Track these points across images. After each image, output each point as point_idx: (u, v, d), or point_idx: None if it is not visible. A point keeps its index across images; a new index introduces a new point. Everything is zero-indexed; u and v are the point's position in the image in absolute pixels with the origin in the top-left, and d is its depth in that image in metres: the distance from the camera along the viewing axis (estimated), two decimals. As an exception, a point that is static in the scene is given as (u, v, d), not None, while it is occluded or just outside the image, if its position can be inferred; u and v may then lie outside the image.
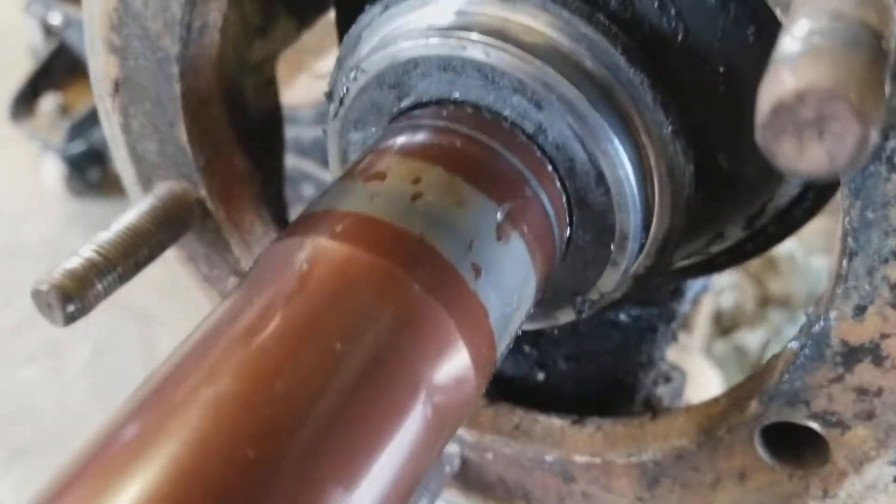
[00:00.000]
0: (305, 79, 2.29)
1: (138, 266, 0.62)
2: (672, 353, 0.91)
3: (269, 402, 0.41)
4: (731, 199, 0.63)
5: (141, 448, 0.39)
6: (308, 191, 2.64)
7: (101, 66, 0.62)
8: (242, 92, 0.71)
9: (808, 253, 3.20)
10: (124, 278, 0.61)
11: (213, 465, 0.39)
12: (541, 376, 0.76)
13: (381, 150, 0.52)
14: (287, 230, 0.48)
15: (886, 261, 0.45)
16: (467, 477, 0.69)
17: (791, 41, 0.30)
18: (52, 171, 3.04)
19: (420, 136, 0.51)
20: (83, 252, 0.59)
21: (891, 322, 0.48)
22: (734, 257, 0.75)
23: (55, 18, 2.79)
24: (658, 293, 0.80)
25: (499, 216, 0.49)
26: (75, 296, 0.58)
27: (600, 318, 0.77)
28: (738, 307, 2.78)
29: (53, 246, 3.00)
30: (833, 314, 0.49)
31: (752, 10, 0.53)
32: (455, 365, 0.47)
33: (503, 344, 0.50)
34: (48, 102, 2.84)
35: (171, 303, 2.78)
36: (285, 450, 0.40)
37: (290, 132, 1.37)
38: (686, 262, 0.75)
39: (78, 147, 2.90)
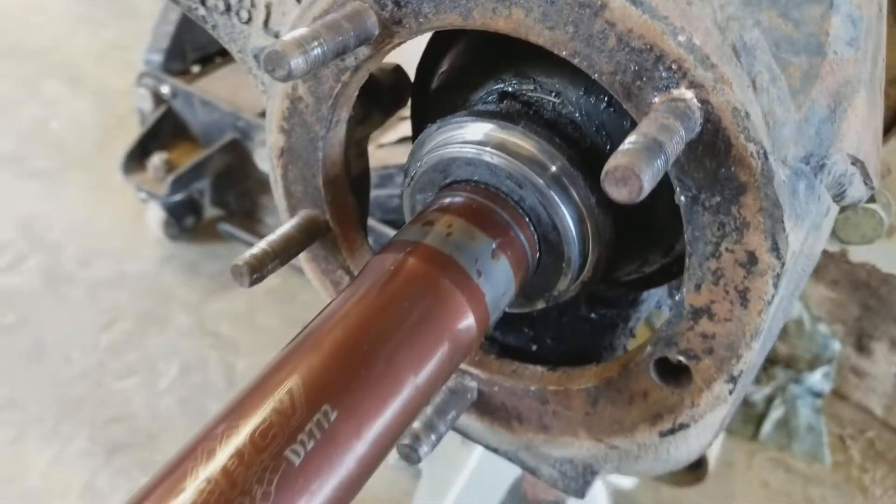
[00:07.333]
0: (370, 148, 2.73)
1: (290, 257, 1.02)
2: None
3: (368, 334, 0.76)
4: (645, 239, 0.98)
5: (309, 339, 0.78)
6: (370, 240, 3.04)
7: (273, 140, 1.02)
8: (349, 158, 1.12)
9: (816, 321, 3.50)
10: (282, 263, 1.01)
11: (344, 355, 0.75)
12: (534, 348, 1.04)
13: (433, 207, 0.91)
14: (383, 248, 0.86)
15: (708, 258, 0.83)
16: (481, 403, 0.98)
17: (624, 143, 0.69)
18: (154, 216, 3.37)
19: (455, 201, 0.89)
20: (261, 244, 0.98)
21: (714, 293, 0.83)
22: (665, 276, 1.05)
23: (165, 89, 3.25)
24: (619, 301, 1.08)
25: (493, 246, 0.85)
26: (257, 270, 0.98)
27: (577, 313, 1.04)
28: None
29: (151, 280, 3.32)
30: (685, 289, 0.83)
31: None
32: (465, 324, 0.77)
33: (494, 315, 0.86)
34: (156, 160, 3.19)
35: (250, 333, 3.15)
36: (380, 352, 0.77)
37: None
38: (630, 278, 1.12)
39: (178, 197, 3.24)
